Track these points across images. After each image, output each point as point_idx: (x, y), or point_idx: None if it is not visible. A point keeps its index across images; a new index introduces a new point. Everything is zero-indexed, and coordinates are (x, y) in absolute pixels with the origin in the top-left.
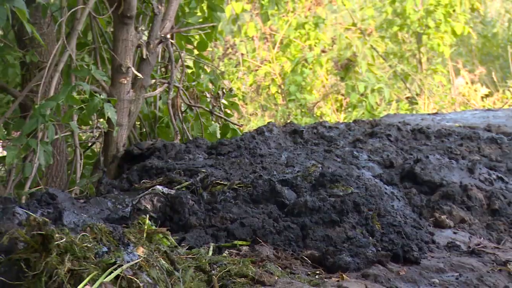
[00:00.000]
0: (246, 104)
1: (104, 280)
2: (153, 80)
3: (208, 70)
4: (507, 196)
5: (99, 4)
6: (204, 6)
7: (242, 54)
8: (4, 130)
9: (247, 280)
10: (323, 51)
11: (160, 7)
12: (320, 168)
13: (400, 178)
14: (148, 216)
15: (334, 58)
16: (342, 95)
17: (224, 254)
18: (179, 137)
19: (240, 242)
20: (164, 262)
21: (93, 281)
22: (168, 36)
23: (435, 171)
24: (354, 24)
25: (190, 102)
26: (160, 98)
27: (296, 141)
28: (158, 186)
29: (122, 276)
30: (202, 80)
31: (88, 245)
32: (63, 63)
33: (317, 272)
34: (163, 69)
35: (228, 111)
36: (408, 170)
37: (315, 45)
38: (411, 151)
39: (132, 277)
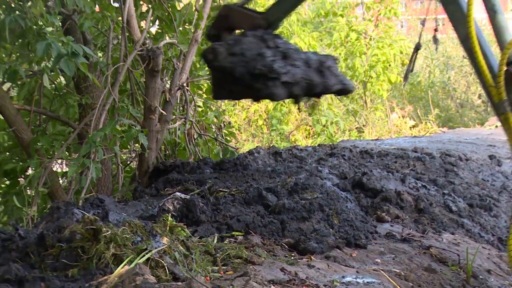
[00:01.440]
0: (241, 132)
1: (139, 261)
2: (174, 116)
3: (213, 108)
4: (429, 199)
5: (135, 61)
6: None
7: None
8: (66, 153)
9: (241, 261)
10: None
11: (178, 63)
12: (294, 179)
13: (352, 186)
14: (170, 214)
15: (304, 100)
16: (310, 126)
17: (225, 242)
18: (192, 157)
19: (236, 233)
20: (181, 248)
21: (130, 262)
22: (185, 84)
23: (377, 181)
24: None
25: (200, 132)
26: (179, 129)
27: (277, 159)
28: (177, 193)
29: (152, 258)
30: (209, 116)
31: (127, 236)
32: (109, 104)
33: (293, 254)
34: (181, 108)
35: (228, 138)
36: (357, 180)
37: None
38: (359, 167)
39: (159, 259)
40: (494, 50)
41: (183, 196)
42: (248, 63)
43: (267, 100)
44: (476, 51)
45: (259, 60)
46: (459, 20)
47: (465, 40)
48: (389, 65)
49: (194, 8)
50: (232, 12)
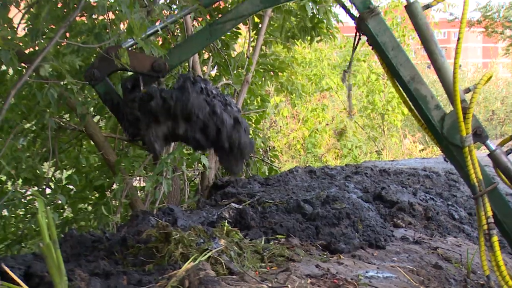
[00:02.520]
0: (282, 155)
1: (201, 259)
2: None
3: (261, 135)
4: (436, 209)
5: None
6: (258, 98)
7: (280, 126)
8: (143, 171)
9: (284, 259)
10: (327, 124)
11: (233, 100)
12: (326, 192)
13: (373, 198)
14: (226, 221)
15: (333, 128)
16: (338, 149)
17: (271, 243)
18: (244, 175)
19: (280, 236)
20: (236, 248)
21: (194, 259)
22: None
23: (393, 194)
24: (344, 109)
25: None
26: None
27: (312, 176)
28: (232, 204)
29: (212, 257)
30: (257, 141)
31: (192, 238)
32: None
33: (325, 254)
34: None
35: (272, 159)
36: (377, 193)
37: (322, 121)
38: (379, 182)
39: (218, 257)
40: None
41: (237, 206)
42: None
43: (304, 129)
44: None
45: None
46: (404, 64)
47: (411, 81)
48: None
49: (245, 55)
50: (122, 52)
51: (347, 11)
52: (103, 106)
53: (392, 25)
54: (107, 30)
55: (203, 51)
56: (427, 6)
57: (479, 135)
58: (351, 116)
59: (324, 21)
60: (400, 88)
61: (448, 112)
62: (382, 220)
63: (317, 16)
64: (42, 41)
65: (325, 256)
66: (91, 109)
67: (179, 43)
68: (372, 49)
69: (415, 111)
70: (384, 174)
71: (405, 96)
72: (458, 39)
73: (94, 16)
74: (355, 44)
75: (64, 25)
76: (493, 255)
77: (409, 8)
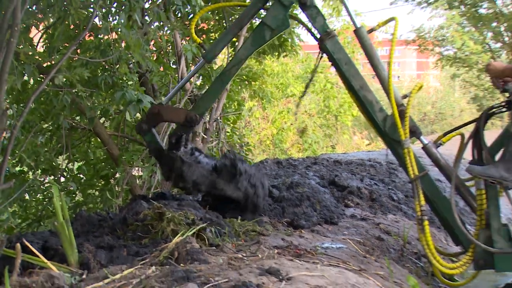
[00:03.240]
0: (255, 149)
1: (188, 234)
2: (211, 138)
3: (237, 133)
4: (379, 192)
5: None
6: (235, 103)
7: (253, 126)
8: (141, 163)
9: (256, 233)
10: (291, 124)
11: (214, 104)
12: (290, 179)
13: (328, 184)
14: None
15: (296, 127)
16: (301, 144)
17: (245, 221)
18: None
19: None
20: (216, 226)
21: (183, 235)
22: (218, 117)
23: (345, 180)
24: (305, 111)
25: (229, 148)
26: (215, 147)
27: (279, 166)
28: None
29: (197, 233)
30: (234, 138)
31: (181, 218)
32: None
33: (289, 229)
34: (216, 133)
35: (247, 153)
36: (331, 180)
37: (287, 121)
38: (333, 171)
39: (201, 233)
40: None
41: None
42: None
43: (274, 127)
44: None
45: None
46: (355, 75)
47: (360, 89)
48: (353, 104)
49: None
50: (163, 109)
51: (312, 33)
52: (108, 109)
53: (344, 44)
54: (111, 47)
55: (190, 64)
56: (371, 30)
57: (414, 132)
58: (296, 111)
59: (289, 40)
60: (353, 94)
61: (389, 114)
62: (335, 202)
63: (283, 36)
64: (57, 56)
65: (289, 231)
66: (98, 112)
67: (201, 96)
68: (330, 63)
69: (364, 113)
70: (337, 164)
71: (356, 101)
72: (390, 54)
73: (99, 36)
74: (318, 60)
75: (75, 43)
76: (423, 236)
77: (357, 32)
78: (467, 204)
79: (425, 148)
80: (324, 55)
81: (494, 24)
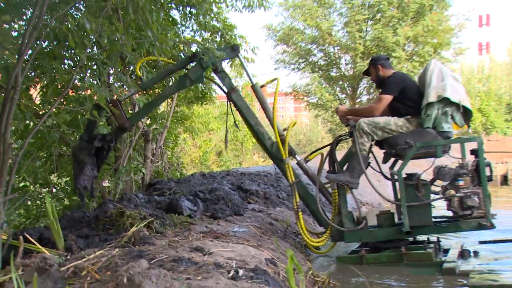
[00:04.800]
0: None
1: (141, 225)
2: (158, 160)
3: (175, 156)
4: (270, 193)
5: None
6: (173, 136)
7: (186, 150)
8: (109, 177)
9: (188, 223)
10: (212, 149)
11: (159, 137)
12: (211, 186)
13: (236, 188)
14: (157, 204)
15: (216, 151)
16: (218, 162)
17: (180, 216)
18: (166, 178)
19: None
20: (161, 219)
21: (137, 226)
22: (162, 145)
23: (248, 185)
24: (221, 140)
25: (170, 166)
26: (160, 165)
27: (204, 178)
28: (161, 196)
29: (147, 224)
30: (173, 160)
31: (136, 214)
32: (127, 155)
33: (211, 220)
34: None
35: (182, 169)
36: (239, 185)
37: (209, 147)
38: (240, 179)
39: (151, 225)
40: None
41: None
42: None
43: (200, 151)
44: (258, 130)
45: None
46: (251, 116)
47: (255, 125)
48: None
49: (165, 112)
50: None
51: (221, 89)
52: None
53: (245, 95)
54: (86, 100)
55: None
56: (262, 86)
57: (291, 152)
58: (226, 145)
59: (208, 93)
60: (250, 129)
61: (274, 141)
62: (241, 200)
63: (205, 90)
64: (48, 106)
65: (210, 221)
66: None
67: (134, 114)
68: (236, 109)
69: (259, 141)
70: (243, 175)
71: (253, 133)
72: (273, 104)
73: (79, 92)
74: (227, 107)
75: (60, 98)
76: (298, 221)
77: (253, 87)
78: (327, 200)
79: (298, 163)
80: (230, 103)
81: (340, 82)
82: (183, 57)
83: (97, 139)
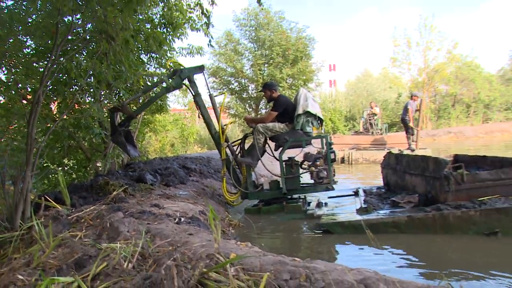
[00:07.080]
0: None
1: (119, 190)
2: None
3: (143, 148)
4: (204, 170)
5: None
6: (142, 134)
7: (151, 144)
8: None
9: (150, 189)
10: (167, 143)
11: (135, 132)
12: (165, 165)
13: (182, 167)
14: (130, 177)
15: (170, 143)
16: (172, 151)
17: (147, 184)
18: (138, 160)
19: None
20: (133, 187)
21: (117, 190)
22: (134, 140)
23: (190, 165)
24: (174, 137)
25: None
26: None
27: (162, 160)
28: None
29: (124, 190)
30: (142, 150)
31: (117, 183)
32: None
33: (165, 187)
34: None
35: (148, 156)
36: (183, 165)
37: (166, 141)
38: (184, 161)
39: (127, 190)
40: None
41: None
42: None
43: (160, 143)
44: (215, 130)
45: None
46: (205, 113)
47: (207, 119)
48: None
49: (137, 118)
50: (123, 107)
51: (191, 92)
52: (85, 137)
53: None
54: (86, 111)
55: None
56: (216, 95)
57: (226, 140)
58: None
59: (164, 106)
60: (205, 121)
61: (217, 131)
62: (185, 174)
63: (162, 104)
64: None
65: (165, 188)
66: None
67: (138, 108)
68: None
69: (208, 129)
70: (187, 158)
71: (206, 124)
72: (221, 107)
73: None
74: (197, 106)
75: (68, 109)
76: (222, 186)
77: (210, 96)
78: (240, 172)
79: (228, 146)
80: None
81: (248, 101)
82: (148, 84)
83: (119, 126)
